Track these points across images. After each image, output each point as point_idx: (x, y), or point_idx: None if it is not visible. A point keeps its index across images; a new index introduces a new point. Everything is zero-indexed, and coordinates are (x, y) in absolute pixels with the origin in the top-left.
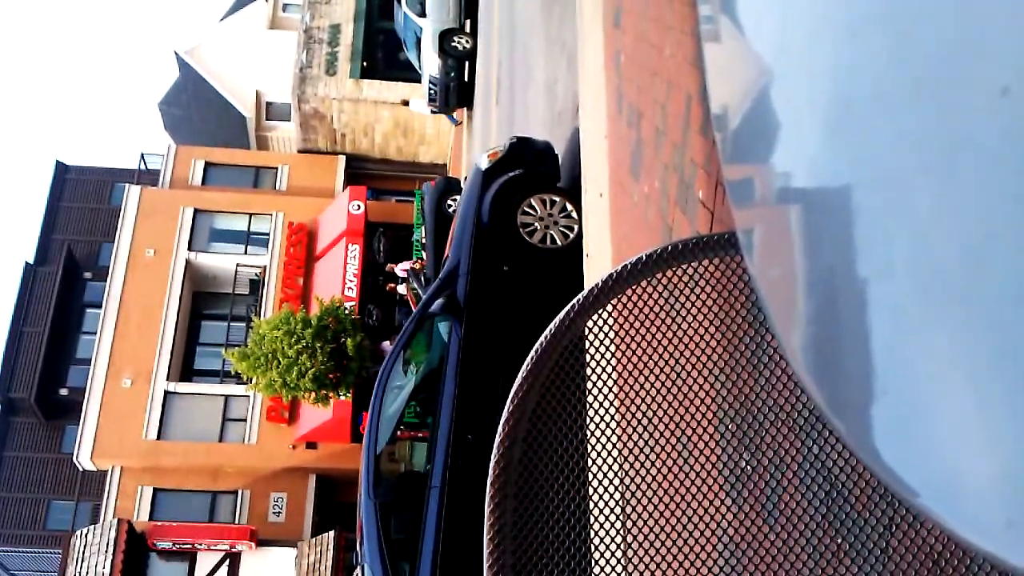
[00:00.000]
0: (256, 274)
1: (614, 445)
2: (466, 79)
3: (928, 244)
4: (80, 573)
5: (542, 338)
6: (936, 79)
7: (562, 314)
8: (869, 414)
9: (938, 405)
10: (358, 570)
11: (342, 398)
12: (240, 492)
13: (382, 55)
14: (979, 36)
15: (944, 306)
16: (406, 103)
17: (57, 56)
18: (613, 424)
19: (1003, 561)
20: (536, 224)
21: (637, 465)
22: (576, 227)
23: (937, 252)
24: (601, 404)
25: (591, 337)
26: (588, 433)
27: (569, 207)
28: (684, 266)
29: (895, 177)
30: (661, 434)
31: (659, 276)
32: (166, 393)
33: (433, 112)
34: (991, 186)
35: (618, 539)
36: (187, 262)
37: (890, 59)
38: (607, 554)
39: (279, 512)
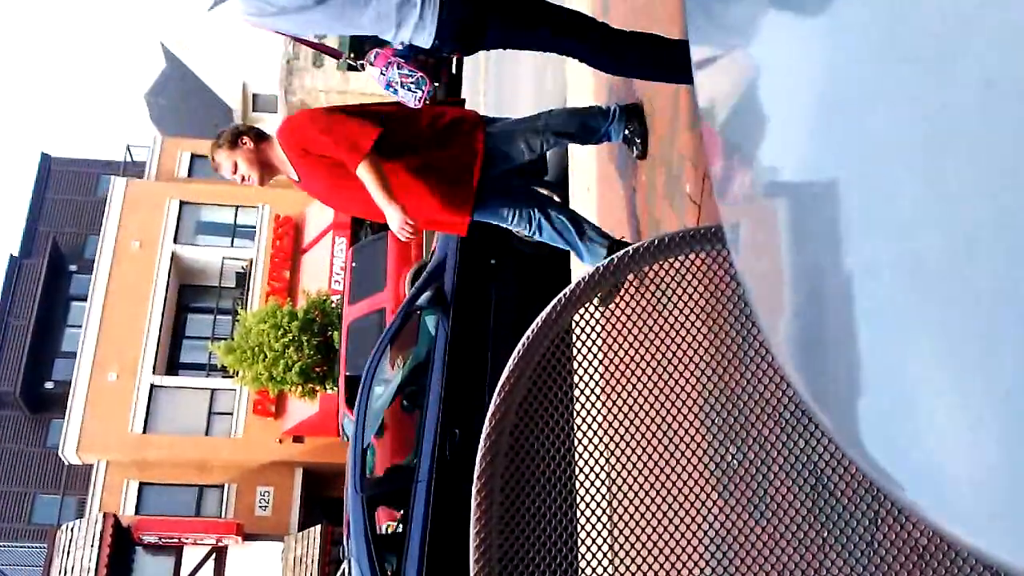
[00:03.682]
0: (242, 267)
1: (601, 439)
2: (453, 70)
3: (914, 239)
4: (66, 567)
5: (529, 331)
6: (921, 73)
7: (549, 307)
8: (855, 408)
9: (923, 399)
10: (345, 564)
11: (329, 392)
12: (226, 486)
13: (370, 47)
14: (963, 28)
15: (929, 300)
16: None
17: (42, 46)
18: (600, 417)
19: (987, 555)
20: None
21: (624, 458)
22: None
23: (922, 247)
24: (588, 397)
25: (578, 330)
26: (575, 426)
27: (557, 200)
28: (671, 259)
29: (880, 172)
30: (648, 427)
31: (646, 269)
32: (152, 387)
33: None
34: (976, 181)
35: (604, 532)
36: (173, 255)
37: (875, 53)
38: (594, 547)
39: (265, 506)
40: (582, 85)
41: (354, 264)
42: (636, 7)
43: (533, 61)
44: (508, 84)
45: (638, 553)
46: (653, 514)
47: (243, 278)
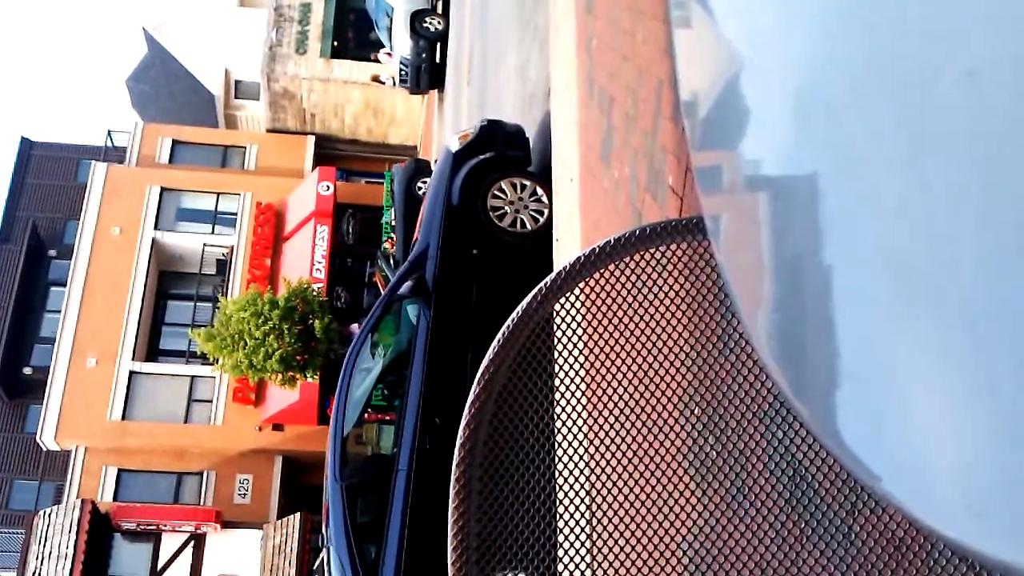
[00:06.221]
0: (223, 254)
1: (580, 429)
2: (437, 60)
3: (894, 231)
4: (43, 553)
5: (509, 320)
6: (903, 65)
7: (530, 297)
8: (832, 400)
9: (901, 391)
10: (324, 552)
11: (309, 380)
12: (205, 473)
13: (353, 35)
14: (946, 19)
15: (909, 293)
16: (376, 78)
17: (23, 30)
18: (580, 407)
19: (962, 545)
20: (506, 208)
21: (603, 449)
22: (546, 211)
23: (903, 239)
24: (568, 387)
25: (559, 320)
26: (555, 416)
27: (539, 191)
28: (652, 250)
29: (862, 164)
30: (627, 418)
31: (627, 260)
32: (131, 373)
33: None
34: (958, 172)
35: (583, 522)
36: (153, 241)
37: (857, 45)
38: (572, 537)
39: (245, 494)
40: (565, 82)
41: None
42: (620, 2)
43: (516, 57)
44: (492, 79)
45: (616, 543)
46: (632, 504)
47: (224, 265)
